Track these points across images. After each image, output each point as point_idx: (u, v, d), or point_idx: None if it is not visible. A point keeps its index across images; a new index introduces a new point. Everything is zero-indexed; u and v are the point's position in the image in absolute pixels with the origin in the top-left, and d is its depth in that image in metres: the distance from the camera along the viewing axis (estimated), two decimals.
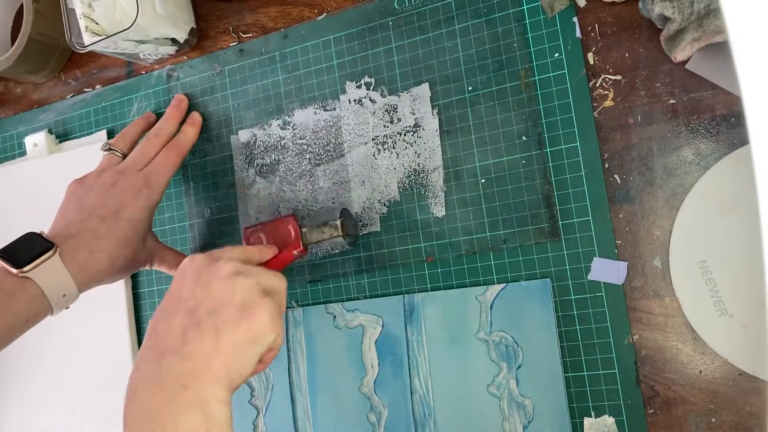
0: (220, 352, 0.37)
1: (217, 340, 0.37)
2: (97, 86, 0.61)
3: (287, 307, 0.52)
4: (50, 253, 0.43)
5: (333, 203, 0.51)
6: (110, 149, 0.51)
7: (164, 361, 0.36)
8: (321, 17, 0.53)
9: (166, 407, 0.35)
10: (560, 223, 0.45)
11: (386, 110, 0.50)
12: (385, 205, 0.50)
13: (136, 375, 0.37)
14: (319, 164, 0.52)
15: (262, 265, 0.44)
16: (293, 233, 0.47)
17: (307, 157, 0.52)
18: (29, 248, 0.43)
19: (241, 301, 0.38)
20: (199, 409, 0.35)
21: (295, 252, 0.47)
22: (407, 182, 0.49)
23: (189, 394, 0.35)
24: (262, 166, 0.54)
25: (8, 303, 0.42)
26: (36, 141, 0.62)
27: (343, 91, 0.51)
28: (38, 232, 0.45)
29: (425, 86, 0.49)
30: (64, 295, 0.44)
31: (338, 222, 0.47)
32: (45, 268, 0.43)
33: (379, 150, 0.50)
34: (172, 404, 0.35)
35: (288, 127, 0.53)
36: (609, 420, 0.43)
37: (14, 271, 0.42)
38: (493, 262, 0.47)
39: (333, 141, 0.51)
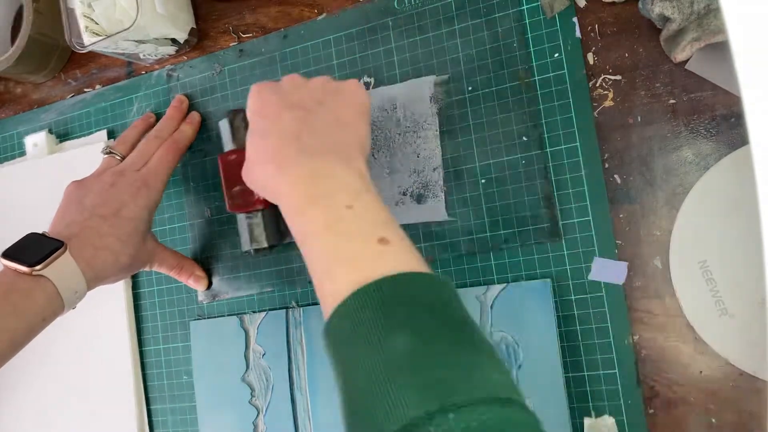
0: (344, 128, 0.41)
1: (336, 118, 0.41)
2: (98, 86, 0.61)
3: (287, 308, 0.53)
4: (62, 249, 0.43)
5: None
6: (110, 152, 0.51)
7: (300, 141, 0.39)
8: (321, 17, 0.53)
9: (324, 168, 0.38)
10: (560, 223, 0.45)
11: (386, 110, 0.50)
12: None
13: (274, 165, 0.39)
14: None
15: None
16: None
17: None
18: (37, 247, 0.43)
19: (335, 88, 0.43)
20: (354, 168, 0.38)
21: None
22: (407, 182, 0.49)
23: (340, 158, 0.38)
24: None
25: (25, 302, 0.42)
26: (36, 141, 0.62)
27: None
28: (40, 232, 0.45)
29: None
30: (76, 292, 0.44)
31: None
32: (57, 266, 0.43)
33: (378, 150, 0.50)
34: (329, 165, 0.38)
35: None
36: (609, 420, 0.43)
37: (26, 270, 0.42)
38: (493, 262, 0.47)
39: None
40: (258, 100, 0.42)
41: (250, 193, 0.46)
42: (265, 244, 0.49)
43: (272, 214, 0.49)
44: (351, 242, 0.34)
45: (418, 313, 0.30)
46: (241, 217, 0.49)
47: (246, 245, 0.49)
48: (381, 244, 0.33)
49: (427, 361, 0.28)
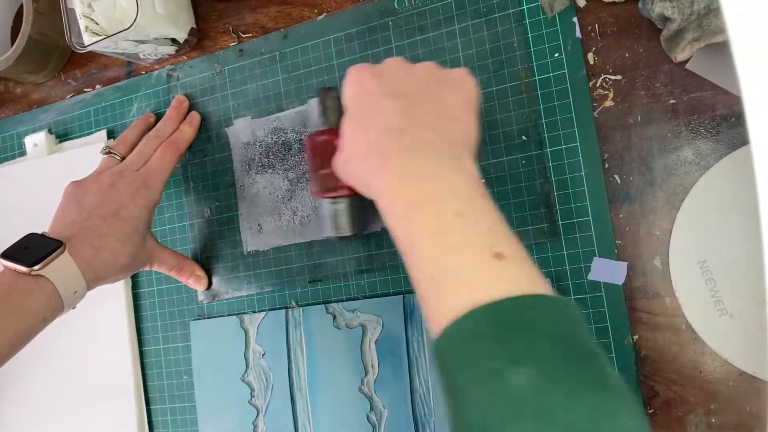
0: (451, 122, 0.37)
1: (443, 111, 0.37)
2: (97, 86, 0.61)
3: (287, 308, 0.53)
4: (60, 249, 0.43)
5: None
6: (109, 152, 0.51)
7: (403, 136, 0.36)
8: (321, 17, 0.53)
9: (430, 168, 0.34)
10: (560, 223, 0.45)
11: None
12: None
13: (373, 161, 0.36)
14: None
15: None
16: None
17: None
18: (36, 248, 0.43)
19: (442, 77, 0.39)
20: (464, 169, 0.35)
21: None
22: None
23: (448, 157, 0.35)
24: (262, 165, 0.54)
25: (26, 302, 0.42)
26: (36, 141, 0.62)
27: None
28: (39, 232, 0.45)
29: None
30: (75, 292, 0.44)
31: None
32: (57, 266, 0.43)
33: None
34: (436, 165, 0.34)
35: (288, 127, 0.53)
36: None
37: (25, 270, 0.42)
38: None
39: None
40: (356, 85, 0.39)
41: (337, 177, 0.42)
42: (349, 233, 0.46)
43: (359, 200, 0.45)
44: (462, 256, 0.31)
45: (540, 343, 0.27)
46: (326, 202, 0.47)
47: (329, 231, 0.47)
48: (496, 258, 0.30)
49: (551, 403, 0.25)
